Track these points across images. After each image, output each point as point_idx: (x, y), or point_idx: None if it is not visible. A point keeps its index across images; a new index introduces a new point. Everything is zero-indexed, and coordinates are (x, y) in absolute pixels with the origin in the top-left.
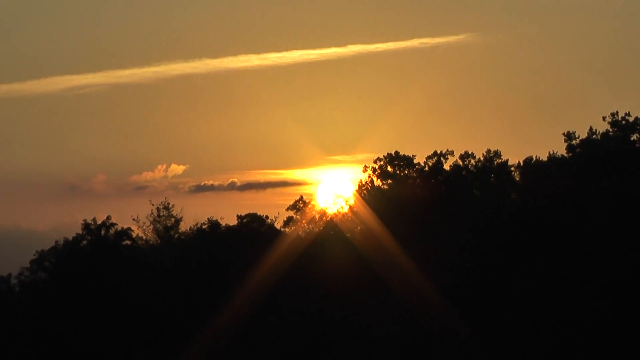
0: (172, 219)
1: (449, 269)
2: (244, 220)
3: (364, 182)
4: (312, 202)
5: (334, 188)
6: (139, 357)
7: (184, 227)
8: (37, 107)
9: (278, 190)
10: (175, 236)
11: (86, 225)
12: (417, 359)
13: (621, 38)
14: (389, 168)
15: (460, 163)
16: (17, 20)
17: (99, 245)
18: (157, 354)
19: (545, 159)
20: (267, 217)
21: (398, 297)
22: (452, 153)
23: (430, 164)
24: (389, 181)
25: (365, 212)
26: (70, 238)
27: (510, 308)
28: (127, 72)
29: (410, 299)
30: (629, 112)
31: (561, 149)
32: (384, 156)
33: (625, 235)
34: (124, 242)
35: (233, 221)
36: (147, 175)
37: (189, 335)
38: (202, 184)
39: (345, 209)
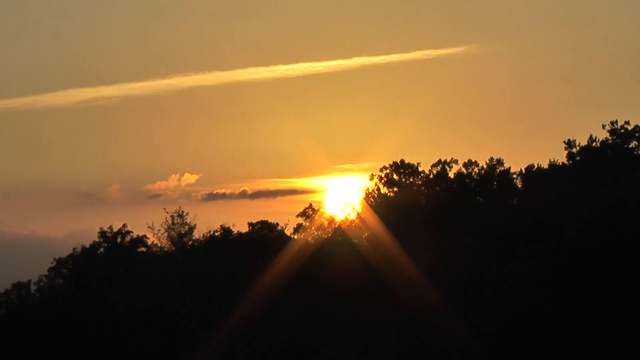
0: (186, 227)
1: (453, 274)
2: (255, 227)
3: (370, 190)
4: (321, 210)
5: (341, 196)
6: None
7: (198, 234)
8: (53, 118)
9: (287, 198)
10: (189, 243)
11: (102, 233)
12: None
13: (620, 48)
14: (394, 176)
15: (464, 171)
16: (34, 36)
17: (116, 252)
18: (171, 357)
19: (546, 166)
20: (277, 224)
21: (403, 303)
22: (456, 161)
23: (435, 171)
24: (395, 189)
25: (372, 219)
26: (87, 245)
27: (515, 313)
28: (140, 84)
29: (415, 305)
30: (628, 121)
31: (562, 157)
32: (389, 164)
33: (623, 241)
34: (140, 249)
35: (244, 228)
36: (161, 184)
37: (202, 338)
38: (215, 192)
39: (353, 216)
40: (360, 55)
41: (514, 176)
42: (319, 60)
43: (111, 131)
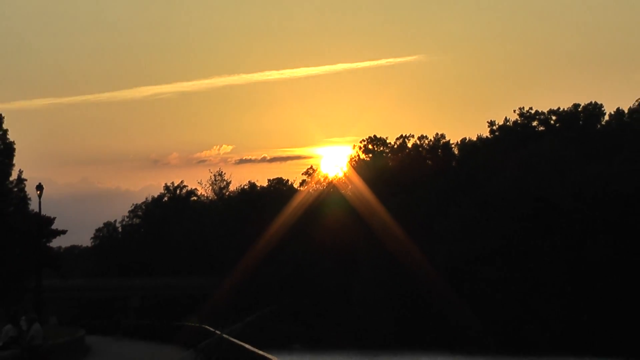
0: (224, 182)
1: (412, 215)
2: (273, 183)
3: (353, 156)
4: (318, 170)
5: (333, 160)
6: (198, 276)
7: (232, 187)
8: (130, 107)
9: (295, 162)
10: (227, 194)
11: (166, 187)
12: (393, 285)
13: (527, 57)
14: (370, 146)
15: (418, 142)
16: (117, 48)
17: (175, 200)
18: (211, 274)
19: (475, 138)
20: (288, 180)
21: (377, 237)
22: (412, 136)
23: (398, 143)
24: (370, 155)
25: (354, 176)
26: (155, 195)
27: (456, 247)
28: (190, 83)
29: (386, 237)
30: (531, 107)
31: (486, 132)
32: (366, 138)
33: (530, 189)
34: (192, 198)
35: (265, 183)
36: (206, 153)
37: (236, 259)
38: (244, 158)
39: (341, 175)
40: (343, 62)
41: (453, 146)
42: (315, 65)
43: (170, 116)
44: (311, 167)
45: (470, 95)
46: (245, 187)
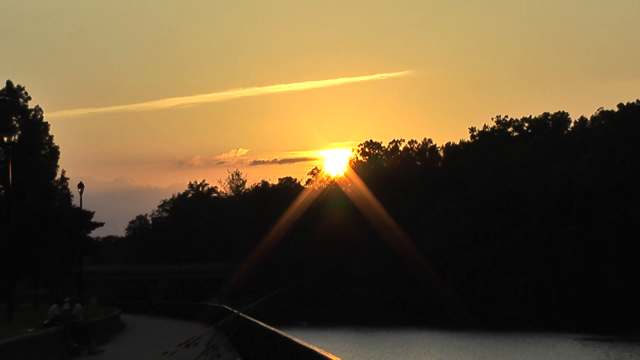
0: (241, 181)
1: (403, 209)
2: (283, 181)
3: (352, 158)
4: (322, 170)
5: (334, 162)
6: (218, 262)
7: (248, 185)
8: (158, 116)
9: (302, 163)
10: (243, 191)
11: (191, 185)
12: (386, 269)
13: (504, 72)
14: (367, 149)
15: (409, 146)
16: (143, 65)
17: (198, 196)
18: (230, 260)
19: (458, 143)
20: (296, 179)
21: (373, 227)
22: (404, 140)
23: (391, 147)
24: (367, 157)
25: (353, 176)
26: (181, 192)
27: (441, 236)
28: (210, 95)
29: (380, 227)
30: (507, 115)
31: (467, 137)
32: (364, 142)
33: (506, 185)
34: (213, 195)
35: (276, 182)
36: (225, 155)
37: (251, 247)
38: (257, 159)
39: (341, 174)
40: (343, 76)
41: (439, 149)
42: (318, 79)
43: (193, 123)
44: (316, 168)
45: (454, 105)
46: (258, 185)
